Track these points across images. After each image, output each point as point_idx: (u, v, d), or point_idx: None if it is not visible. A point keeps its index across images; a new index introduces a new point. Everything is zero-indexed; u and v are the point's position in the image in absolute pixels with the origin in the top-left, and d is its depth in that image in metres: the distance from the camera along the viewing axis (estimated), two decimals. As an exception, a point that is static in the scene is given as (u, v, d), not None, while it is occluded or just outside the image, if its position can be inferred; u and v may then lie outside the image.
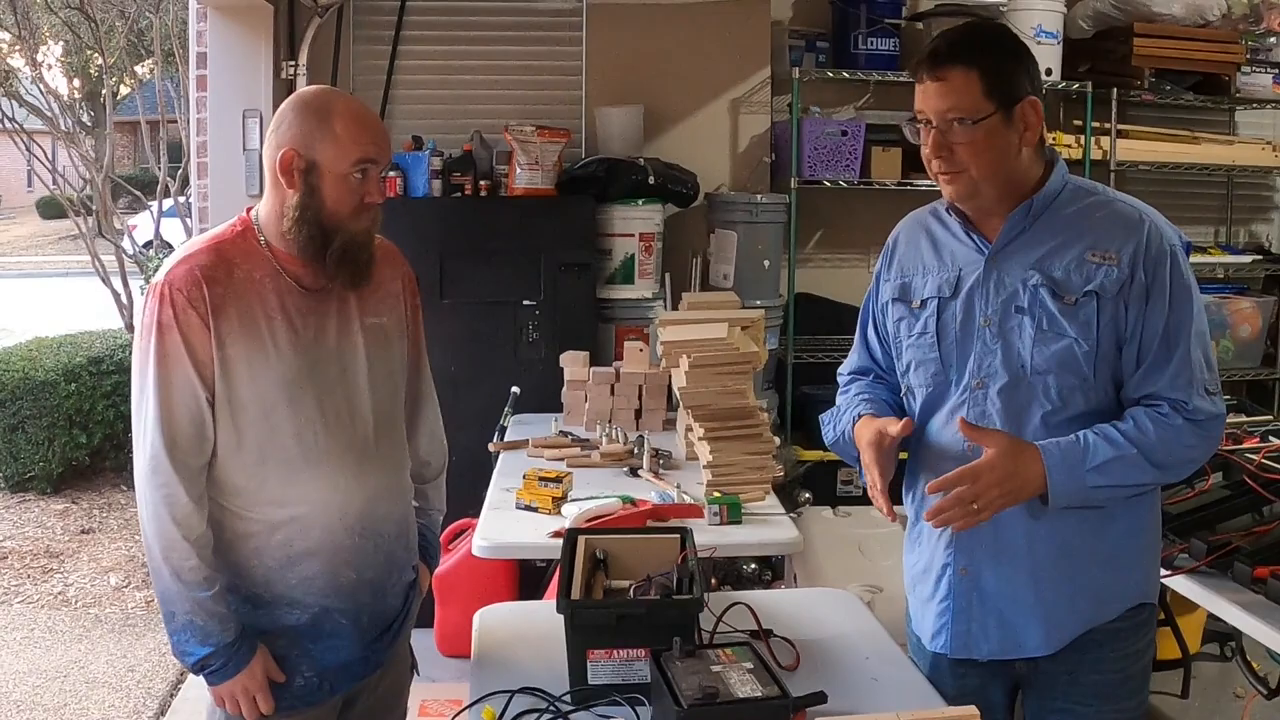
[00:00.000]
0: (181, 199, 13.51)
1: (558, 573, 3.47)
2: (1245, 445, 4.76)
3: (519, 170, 7.17)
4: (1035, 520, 3.23)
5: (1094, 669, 3.35)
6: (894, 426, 3.26)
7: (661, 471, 5.22)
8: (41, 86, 14.70)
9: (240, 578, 3.29)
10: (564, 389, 6.23)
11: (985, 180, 3.22)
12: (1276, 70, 8.36)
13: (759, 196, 7.68)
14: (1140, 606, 3.40)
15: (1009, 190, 3.28)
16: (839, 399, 3.66)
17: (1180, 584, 3.97)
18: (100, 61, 15.58)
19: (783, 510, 4.84)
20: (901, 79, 7.89)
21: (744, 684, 2.81)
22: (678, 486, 4.92)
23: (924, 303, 3.38)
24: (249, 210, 3.39)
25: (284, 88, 7.25)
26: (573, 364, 6.23)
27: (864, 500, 7.20)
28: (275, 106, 3.38)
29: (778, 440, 5.15)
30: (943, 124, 3.19)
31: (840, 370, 3.77)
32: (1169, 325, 3.17)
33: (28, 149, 14.33)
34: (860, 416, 3.45)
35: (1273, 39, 8.41)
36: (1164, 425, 3.14)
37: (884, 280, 3.55)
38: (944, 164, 3.21)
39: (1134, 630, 3.39)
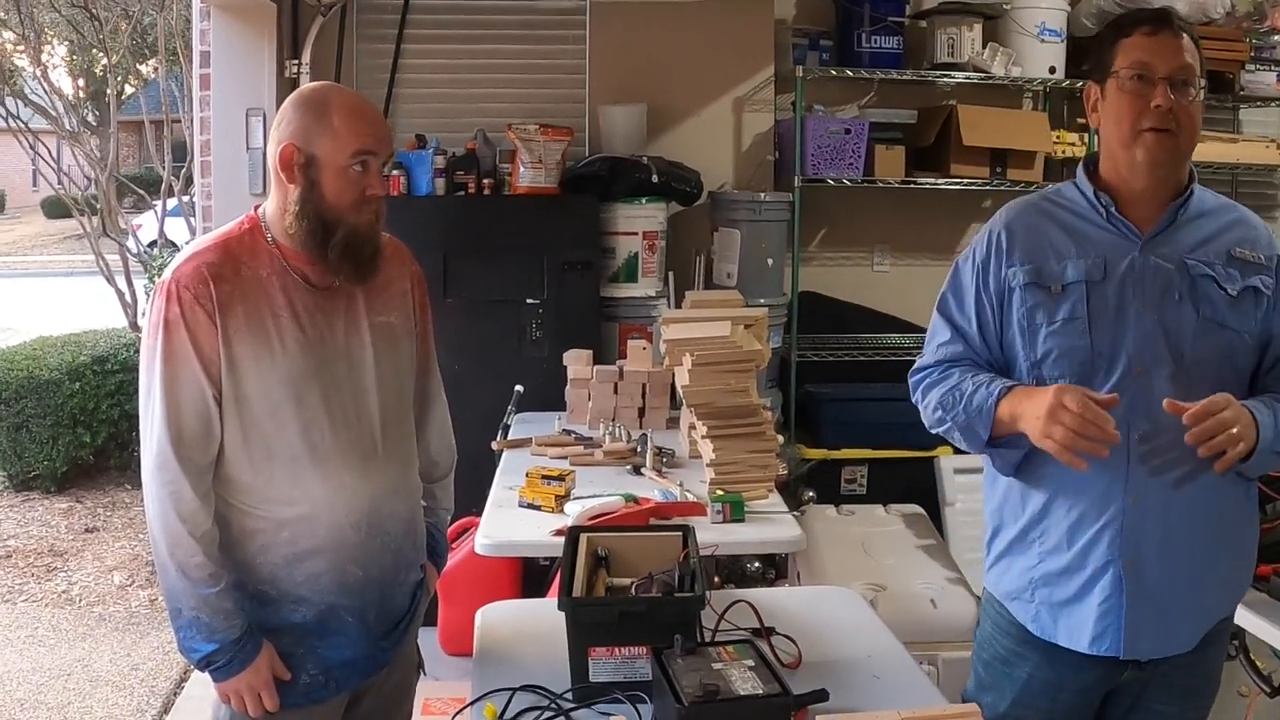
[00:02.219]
0: (186, 198, 13.52)
1: (560, 571, 3.47)
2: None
3: (522, 169, 7.17)
4: (1198, 515, 3.23)
5: (1187, 671, 3.37)
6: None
7: (664, 470, 5.22)
8: (46, 86, 14.70)
9: (246, 574, 3.29)
10: (567, 387, 6.23)
11: (1186, 152, 3.26)
12: (1280, 68, 8.36)
13: (762, 195, 7.70)
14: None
15: (1180, 175, 3.31)
16: (937, 388, 3.47)
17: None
18: (104, 61, 15.60)
19: (786, 508, 4.84)
20: (905, 76, 7.92)
21: (745, 681, 2.82)
22: (680, 485, 4.92)
23: (1066, 288, 3.30)
24: (256, 208, 3.39)
25: (287, 86, 7.24)
26: (576, 362, 6.23)
27: (867, 498, 7.23)
28: (278, 105, 3.38)
29: (781, 438, 5.15)
30: (1176, 80, 3.18)
31: (917, 365, 3.60)
32: None
33: (32, 148, 14.36)
34: (1010, 389, 3.27)
35: (1277, 37, 8.40)
36: None
37: (1005, 267, 3.40)
38: (1165, 119, 3.17)
39: (1225, 630, 3.46)
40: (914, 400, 3.59)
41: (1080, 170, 3.44)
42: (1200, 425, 2.97)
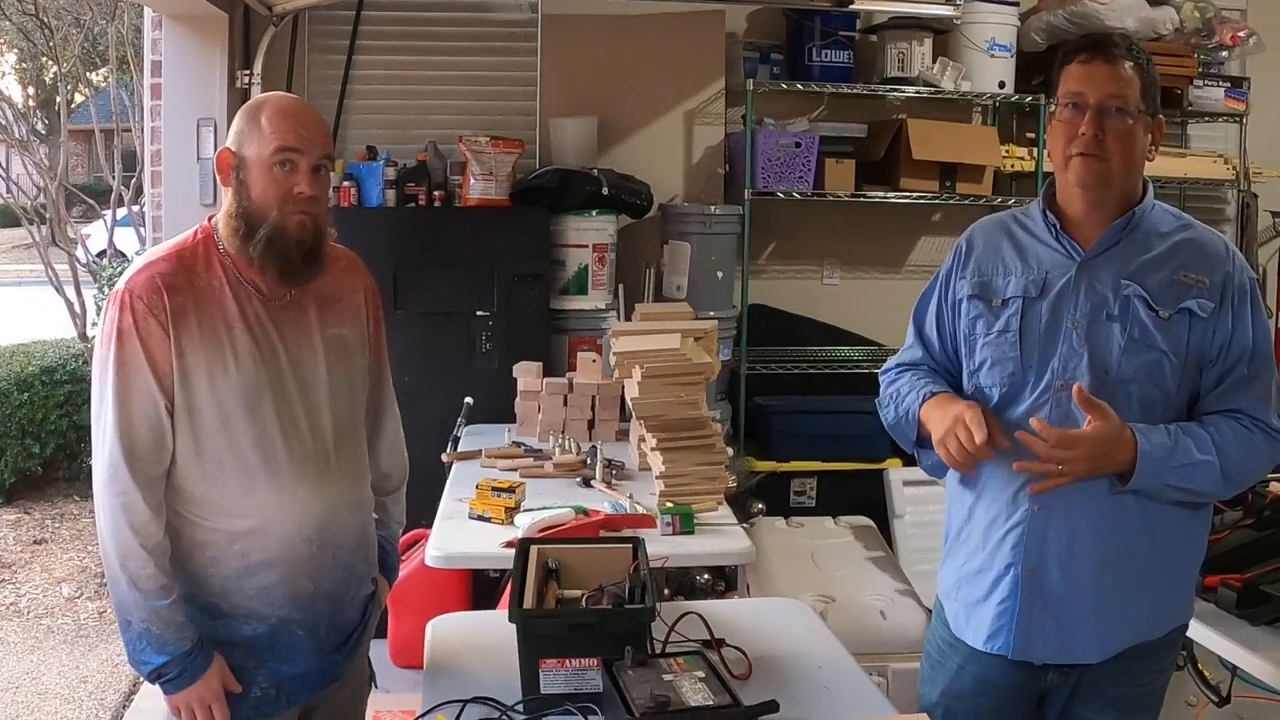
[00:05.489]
0: (135, 208, 13.46)
1: (510, 583, 3.48)
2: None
3: (473, 181, 7.17)
4: (1108, 530, 3.30)
5: (1120, 682, 3.43)
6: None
7: (614, 482, 5.23)
8: (-6, 94, 14.65)
9: (198, 587, 3.29)
10: (517, 399, 6.23)
11: (1119, 175, 3.32)
12: (1228, 84, 8.44)
13: (712, 208, 7.70)
14: (1181, 626, 3.51)
15: (1123, 195, 3.38)
16: (889, 388, 3.67)
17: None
18: (55, 69, 15.53)
19: (735, 521, 4.85)
20: (855, 90, 7.95)
21: (696, 692, 2.84)
22: (630, 497, 4.94)
23: (1006, 302, 3.43)
24: (210, 219, 3.40)
25: (238, 97, 7.21)
26: (526, 374, 6.23)
27: (816, 511, 7.26)
28: (230, 115, 3.41)
29: (730, 451, 5.17)
30: (1104, 106, 3.26)
31: (885, 366, 3.77)
32: (1254, 349, 3.31)
33: (-19, 156, 14.30)
34: (933, 394, 3.47)
35: (1225, 53, 8.49)
36: (1244, 438, 3.27)
37: (958, 278, 3.57)
38: (1093, 144, 3.26)
39: (1168, 647, 3.50)
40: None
41: (1044, 189, 3.52)
42: (1030, 464, 3.21)
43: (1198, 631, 3.78)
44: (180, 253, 3.31)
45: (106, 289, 11.03)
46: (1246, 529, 4.29)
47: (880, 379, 3.76)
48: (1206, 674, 5.06)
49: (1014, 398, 3.38)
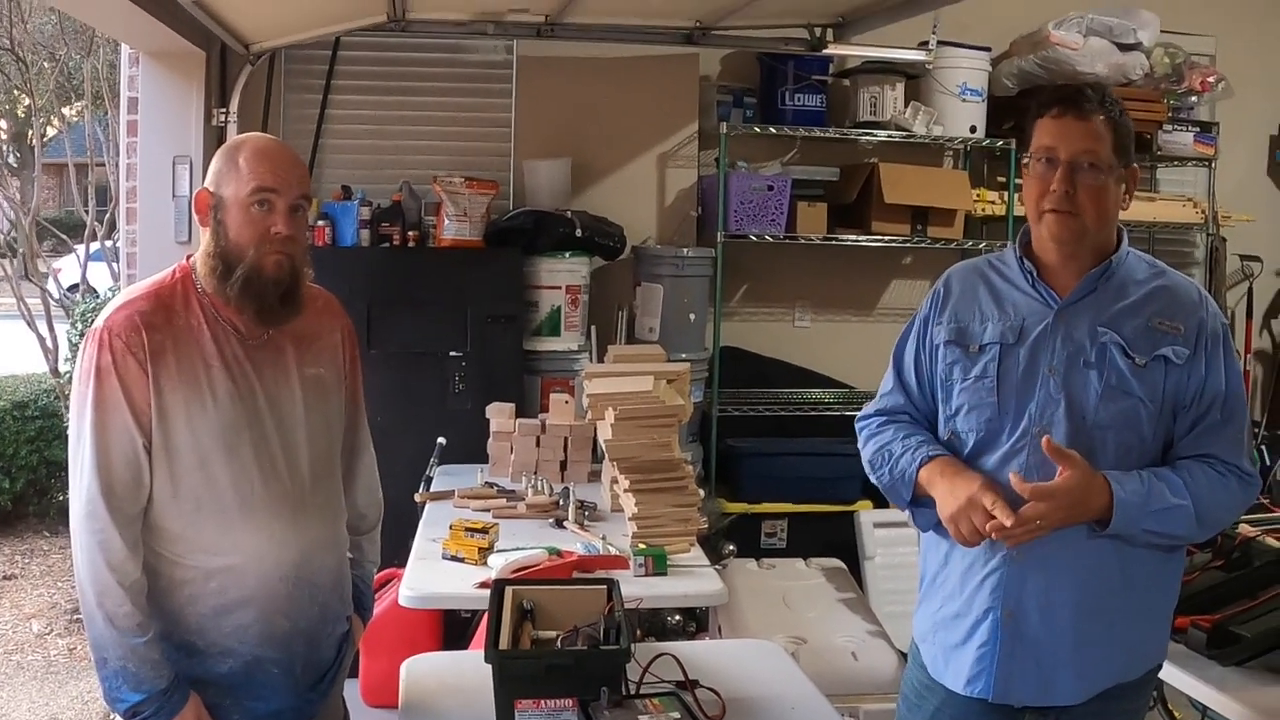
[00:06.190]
0: (108, 243, 13.43)
1: (484, 623, 3.49)
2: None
3: (447, 221, 7.20)
4: (1086, 573, 3.31)
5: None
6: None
7: (587, 523, 5.24)
8: (-33, 128, 14.61)
9: (174, 625, 3.29)
10: (490, 440, 6.24)
11: (1093, 230, 3.33)
12: (1198, 129, 8.52)
13: (685, 250, 7.76)
14: (1156, 667, 3.53)
15: (1097, 246, 3.39)
16: (873, 441, 3.63)
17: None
18: (28, 103, 15.49)
19: (707, 562, 4.86)
20: (828, 134, 7.99)
21: (671, 733, 2.85)
22: (603, 538, 4.95)
23: (983, 348, 3.43)
24: (189, 258, 3.42)
25: (215, 135, 7.23)
26: (498, 415, 6.25)
27: (787, 552, 7.27)
28: (206, 153, 3.43)
29: (702, 493, 5.18)
30: (1076, 162, 3.27)
31: (864, 412, 3.75)
32: (1227, 396, 3.32)
33: (-47, 190, 14.23)
34: (930, 458, 3.43)
35: (1194, 98, 8.56)
36: (1218, 483, 3.28)
37: (935, 324, 3.57)
38: (1065, 201, 3.27)
39: (1142, 687, 3.52)
40: (859, 444, 3.72)
41: (1019, 236, 3.55)
42: (1008, 529, 3.18)
43: (1168, 672, 3.80)
44: (159, 291, 3.32)
45: (79, 324, 11.00)
46: (1216, 570, 4.32)
47: (858, 426, 3.74)
48: (1176, 714, 5.10)
49: (990, 443, 3.38)
